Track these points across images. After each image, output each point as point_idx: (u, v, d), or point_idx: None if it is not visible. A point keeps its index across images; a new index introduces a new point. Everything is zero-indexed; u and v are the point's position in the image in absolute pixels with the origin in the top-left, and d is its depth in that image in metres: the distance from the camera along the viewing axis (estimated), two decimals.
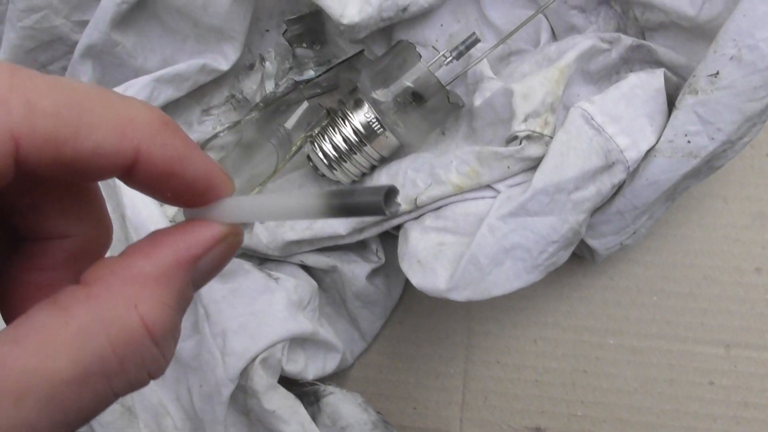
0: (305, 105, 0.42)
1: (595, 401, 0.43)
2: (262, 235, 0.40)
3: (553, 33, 0.41)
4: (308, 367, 0.39)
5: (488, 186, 0.36)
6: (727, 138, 0.33)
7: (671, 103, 0.35)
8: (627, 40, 0.37)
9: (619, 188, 0.36)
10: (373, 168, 0.40)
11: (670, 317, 0.43)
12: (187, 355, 0.38)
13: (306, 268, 0.42)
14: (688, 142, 0.34)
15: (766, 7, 0.31)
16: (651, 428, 0.42)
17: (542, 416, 0.43)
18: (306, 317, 0.39)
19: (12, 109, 0.14)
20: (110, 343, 0.15)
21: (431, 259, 0.35)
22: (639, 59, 0.38)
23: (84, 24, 0.39)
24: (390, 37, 0.42)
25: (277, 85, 0.44)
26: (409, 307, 0.46)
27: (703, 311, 0.43)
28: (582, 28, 0.39)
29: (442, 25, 0.41)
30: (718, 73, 0.32)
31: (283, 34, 0.43)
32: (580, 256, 0.42)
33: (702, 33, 0.36)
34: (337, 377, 0.45)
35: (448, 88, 0.38)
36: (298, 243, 0.40)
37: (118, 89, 0.40)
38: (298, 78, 0.42)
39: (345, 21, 0.38)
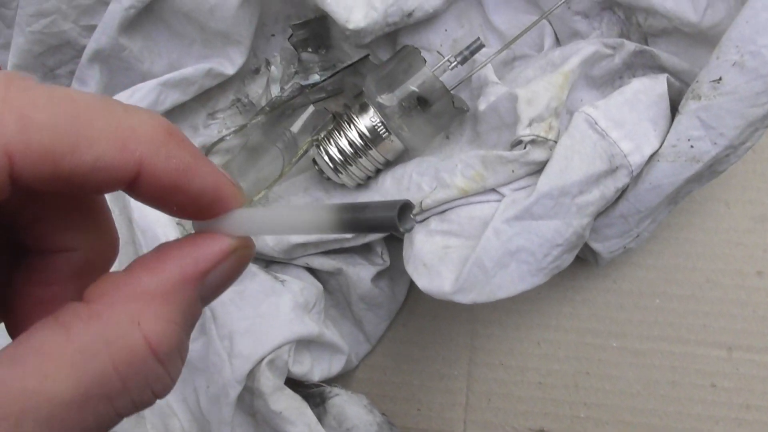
0: (311, 109, 0.42)
1: (598, 403, 0.43)
2: (268, 238, 0.40)
3: (557, 38, 0.41)
4: (314, 368, 0.40)
5: (493, 190, 0.37)
6: (729, 143, 0.33)
7: (674, 109, 0.36)
8: (630, 46, 0.37)
9: (622, 192, 0.36)
10: (378, 172, 0.41)
11: (673, 320, 0.43)
12: (194, 356, 0.38)
13: (311, 271, 0.42)
14: (691, 146, 0.34)
15: None
16: (653, 430, 0.43)
17: (545, 418, 0.43)
18: (312, 319, 0.39)
19: (5, 123, 0.14)
20: (112, 363, 0.15)
21: (436, 262, 0.36)
22: (642, 65, 0.38)
23: (92, 29, 0.40)
24: (395, 42, 0.43)
25: (282, 89, 0.44)
26: (413, 310, 0.46)
27: (705, 314, 0.43)
28: (585, 34, 0.40)
29: (446, 30, 0.42)
30: (720, 78, 0.33)
31: (289, 38, 0.43)
32: (584, 259, 0.42)
33: (705, 39, 0.36)
34: (342, 379, 0.45)
35: (452, 92, 0.38)
36: (304, 246, 0.40)
37: (125, 93, 0.41)
38: (303, 82, 0.43)
39: (350, 26, 0.39)
